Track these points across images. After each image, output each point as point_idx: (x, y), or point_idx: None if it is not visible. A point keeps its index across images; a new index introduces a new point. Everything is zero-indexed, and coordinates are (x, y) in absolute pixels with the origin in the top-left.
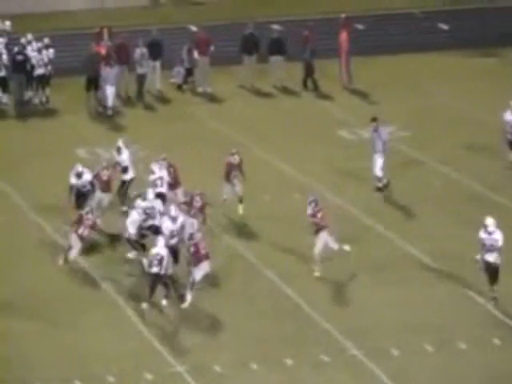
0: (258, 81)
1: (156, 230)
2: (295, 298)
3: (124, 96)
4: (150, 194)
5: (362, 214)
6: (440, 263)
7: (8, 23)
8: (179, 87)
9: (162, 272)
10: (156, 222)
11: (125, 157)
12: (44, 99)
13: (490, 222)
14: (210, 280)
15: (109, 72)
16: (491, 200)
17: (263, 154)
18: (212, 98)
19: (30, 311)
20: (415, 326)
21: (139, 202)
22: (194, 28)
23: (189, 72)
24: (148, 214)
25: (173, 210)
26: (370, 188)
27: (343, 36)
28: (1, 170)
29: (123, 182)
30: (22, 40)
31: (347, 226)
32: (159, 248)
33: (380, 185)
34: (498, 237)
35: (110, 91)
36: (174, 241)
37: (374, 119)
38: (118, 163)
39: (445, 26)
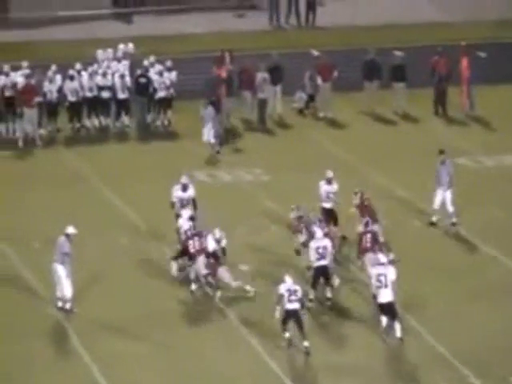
0: (378, 107)
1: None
2: None
3: (247, 120)
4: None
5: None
6: None
7: (131, 45)
8: (300, 112)
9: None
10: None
11: (191, 193)
12: (166, 122)
13: None
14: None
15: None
16: None
17: (382, 180)
18: (333, 123)
19: (144, 333)
20: None
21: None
22: (315, 52)
23: (311, 97)
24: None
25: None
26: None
27: (464, 63)
28: (120, 189)
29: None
30: (145, 62)
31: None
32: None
33: (454, 220)
34: None
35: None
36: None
37: (442, 151)
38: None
39: None
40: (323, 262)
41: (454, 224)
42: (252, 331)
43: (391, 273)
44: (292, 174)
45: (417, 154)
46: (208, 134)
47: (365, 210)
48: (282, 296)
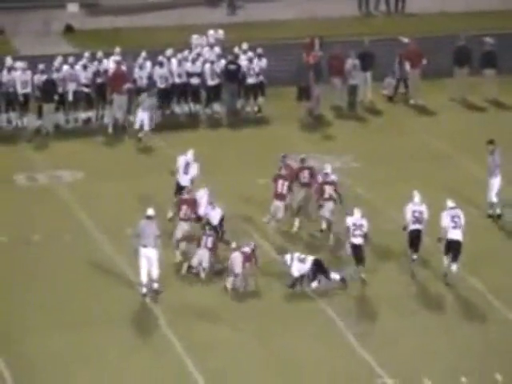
0: (469, 94)
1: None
2: None
3: (337, 107)
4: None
5: None
6: None
7: (221, 32)
8: (390, 99)
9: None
10: None
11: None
12: (256, 108)
13: None
14: None
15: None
16: None
17: (473, 168)
18: (423, 111)
19: (237, 321)
20: None
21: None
22: (405, 39)
23: (400, 82)
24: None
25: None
26: None
27: None
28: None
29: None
30: (236, 49)
31: None
32: None
33: (491, 212)
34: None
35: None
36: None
37: (491, 142)
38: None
39: None
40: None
41: (490, 216)
42: (346, 324)
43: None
44: (382, 161)
45: (509, 142)
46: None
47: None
48: (348, 229)
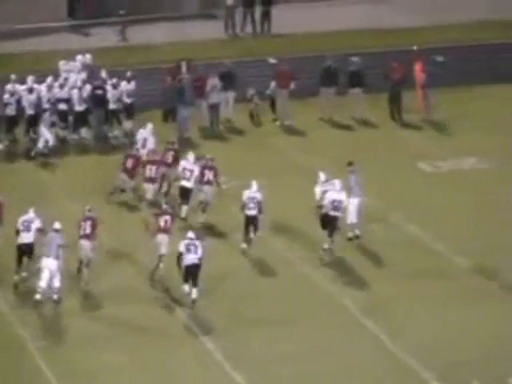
0: (337, 113)
1: None
2: None
3: (203, 128)
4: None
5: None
6: None
7: (88, 56)
8: (252, 117)
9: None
10: None
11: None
12: (121, 133)
13: None
14: None
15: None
16: None
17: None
18: (292, 130)
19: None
20: None
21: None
22: (272, 60)
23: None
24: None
25: None
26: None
27: (417, 68)
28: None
29: None
30: (103, 74)
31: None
32: None
33: (351, 234)
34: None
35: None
36: None
37: (350, 163)
38: None
39: None
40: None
41: (356, 237)
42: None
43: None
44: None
45: (376, 158)
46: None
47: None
48: (244, 204)
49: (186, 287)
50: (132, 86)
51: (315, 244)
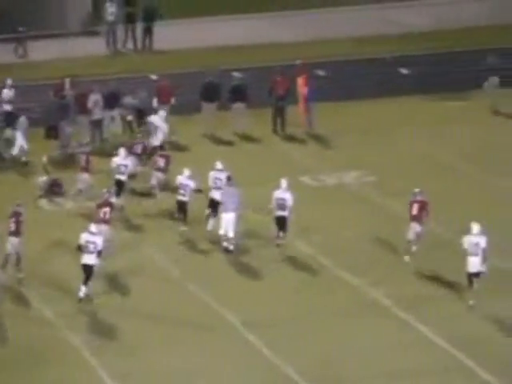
0: (219, 129)
1: None
2: None
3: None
4: None
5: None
6: None
7: None
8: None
9: None
10: None
11: None
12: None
13: None
14: None
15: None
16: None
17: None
18: (175, 146)
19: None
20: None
21: None
22: (153, 76)
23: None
24: None
25: None
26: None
27: (300, 82)
28: None
29: None
30: None
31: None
32: None
33: (230, 247)
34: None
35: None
36: None
37: (229, 178)
38: None
39: (407, 71)
40: None
41: (227, 250)
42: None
43: None
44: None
45: (258, 173)
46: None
47: None
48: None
49: None
50: (12, 93)
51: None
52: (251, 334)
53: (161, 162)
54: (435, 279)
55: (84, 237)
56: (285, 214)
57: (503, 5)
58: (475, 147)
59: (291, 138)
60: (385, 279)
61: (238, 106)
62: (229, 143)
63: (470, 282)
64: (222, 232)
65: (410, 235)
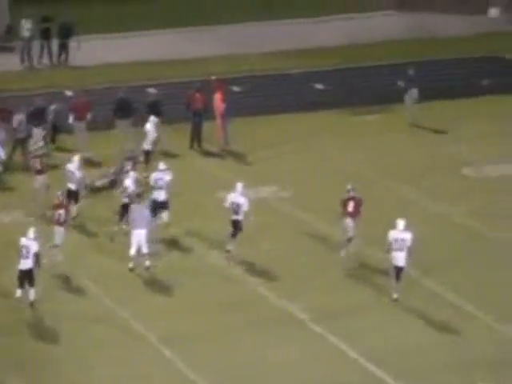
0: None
1: None
2: None
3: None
4: None
5: None
6: None
7: None
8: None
9: None
10: None
11: None
12: None
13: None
14: None
15: None
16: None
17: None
18: (92, 162)
19: None
20: None
21: None
22: (69, 92)
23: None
24: None
25: None
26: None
27: (217, 98)
28: None
29: None
30: None
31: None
32: None
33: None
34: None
35: None
36: None
37: (138, 194)
38: None
39: (322, 86)
40: None
41: (146, 267)
42: None
43: None
44: None
45: (175, 189)
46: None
47: None
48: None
49: None
50: None
51: None
52: (168, 349)
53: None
54: (348, 291)
55: (21, 241)
56: (238, 217)
57: (415, 20)
58: (391, 160)
59: (208, 154)
60: (300, 292)
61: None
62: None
63: (397, 276)
64: (132, 252)
65: (346, 231)
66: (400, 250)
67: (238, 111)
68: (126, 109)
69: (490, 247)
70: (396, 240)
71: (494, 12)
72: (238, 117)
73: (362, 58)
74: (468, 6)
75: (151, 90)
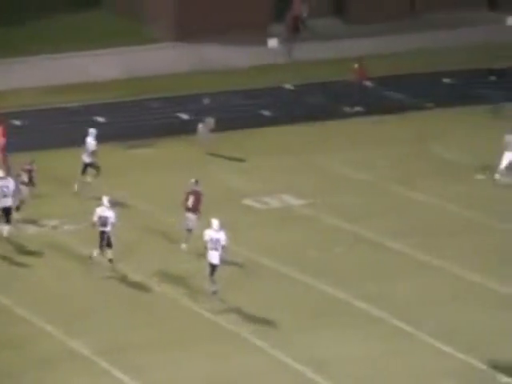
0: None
1: None
2: None
3: None
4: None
5: None
6: None
7: None
8: None
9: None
10: None
11: None
12: None
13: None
14: None
15: None
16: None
17: None
18: None
19: None
20: None
21: None
22: None
23: None
24: None
25: None
26: None
27: None
28: None
29: None
30: None
31: None
32: None
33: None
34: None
35: None
36: None
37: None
38: None
39: (102, 119)
40: None
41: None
42: None
43: None
44: None
45: None
46: None
47: None
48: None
49: None
50: None
51: None
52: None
53: (24, 177)
54: (138, 327)
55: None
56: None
57: (195, 52)
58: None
59: None
60: (84, 330)
61: None
62: None
63: (212, 272)
64: None
65: (187, 225)
66: (215, 249)
67: (19, 146)
68: None
69: None
70: (211, 239)
71: (272, 43)
72: (20, 152)
73: (141, 91)
74: (248, 37)
75: None
